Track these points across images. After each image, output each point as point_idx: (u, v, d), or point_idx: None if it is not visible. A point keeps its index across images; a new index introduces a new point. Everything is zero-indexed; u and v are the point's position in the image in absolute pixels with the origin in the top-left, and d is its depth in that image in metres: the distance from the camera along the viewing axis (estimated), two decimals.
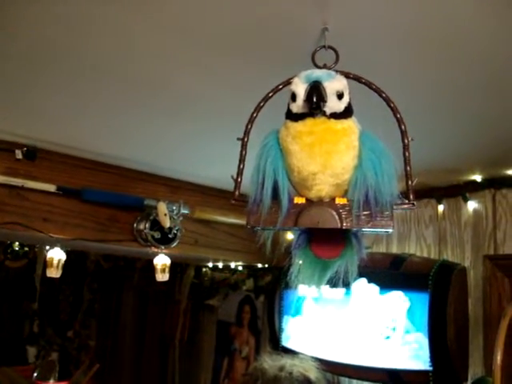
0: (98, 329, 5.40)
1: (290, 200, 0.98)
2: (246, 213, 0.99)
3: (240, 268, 3.34)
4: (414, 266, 2.16)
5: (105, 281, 5.27)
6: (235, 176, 1.05)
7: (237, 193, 1.04)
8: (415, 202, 0.98)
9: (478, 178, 2.16)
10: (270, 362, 2.07)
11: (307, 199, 0.98)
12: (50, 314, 5.89)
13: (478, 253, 2.17)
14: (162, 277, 2.39)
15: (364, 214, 0.94)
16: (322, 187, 0.96)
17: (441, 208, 2.31)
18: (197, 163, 2.28)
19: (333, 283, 1.17)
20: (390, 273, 2.20)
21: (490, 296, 2.10)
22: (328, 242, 1.05)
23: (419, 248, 2.35)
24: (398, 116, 1.00)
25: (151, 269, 2.54)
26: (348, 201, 0.96)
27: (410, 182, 0.99)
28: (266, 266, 3.06)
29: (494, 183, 2.13)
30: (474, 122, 1.63)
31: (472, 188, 2.21)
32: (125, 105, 1.71)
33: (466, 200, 2.22)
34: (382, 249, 2.50)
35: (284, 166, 0.98)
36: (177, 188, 2.54)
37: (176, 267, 3.86)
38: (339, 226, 0.95)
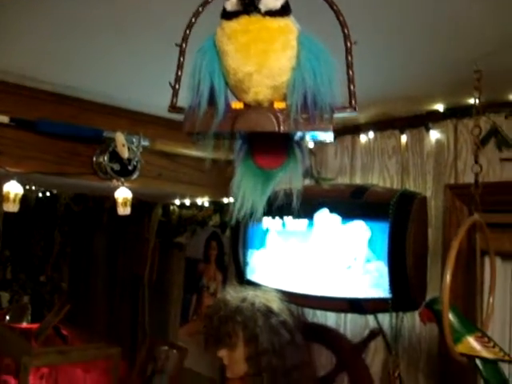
0: (69, 272, 5.40)
1: (227, 105, 0.95)
2: (183, 119, 0.95)
3: (206, 204, 3.33)
4: (375, 196, 2.16)
5: (75, 224, 5.24)
6: (173, 83, 1.01)
7: (174, 100, 1.00)
8: (357, 108, 0.96)
9: (440, 107, 2.14)
10: (232, 294, 2.07)
11: (245, 104, 0.95)
12: (22, 259, 5.87)
13: (440, 183, 2.17)
14: (124, 210, 2.36)
15: (303, 118, 0.91)
16: (259, 89, 0.93)
17: (404, 139, 2.29)
18: (157, 93, 2.22)
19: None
20: (352, 203, 2.19)
21: (449, 225, 2.12)
22: (270, 151, 1.03)
23: (382, 179, 2.35)
24: (341, 19, 0.97)
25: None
26: (287, 105, 0.94)
27: (352, 87, 0.96)
28: (232, 200, 3.03)
29: (456, 113, 2.12)
30: (430, 43, 1.58)
31: (434, 118, 2.19)
32: (70, 28, 1.63)
33: (428, 130, 2.21)
34: (346, 181, 2.49)
35: (220, 69, 0.95)
36: (138, 121, 2.48)
37: (144, 206, 3.84)
38: (277, 129, 0.92)
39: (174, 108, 1.00)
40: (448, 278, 1.43)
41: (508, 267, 2.11)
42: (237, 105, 0.95)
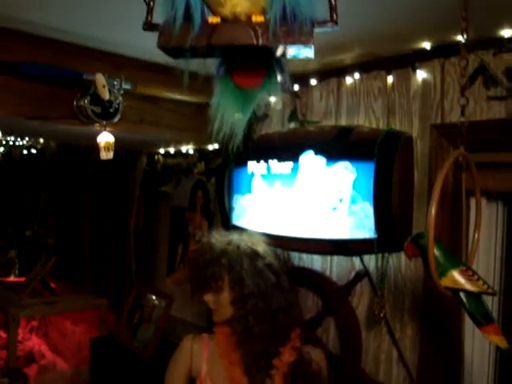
0: (56, 226, 5.38)
1: (204, 19, 0.91)
2: (158, 34, 0.91)
3: (191, 152, 3.30)
4: (360, 136, 2.14)
5: (61, 178, 5.19)
6: None
7: (149, 18, 0.96)
8: (338, 23, 0.92)
9: (427, 45, 2.09)
10: (217, 238, 2.05)
11: (222, 18, 0.91)
12: (8, 215, 5.84)
13: (426, 123, 2.14)
14: (107, 155, 2.32)
15: (282, 30, 0.88)
16: (237, 2, 0.89)
17: (390, 79, 2.25)
18: (139, 35, 2.16)
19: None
20: (337, 143, 2.17)
21: (435, 166, 2.09)
22: (249, 70, 0.99)
23: (368, 121, 2.31)
24: None
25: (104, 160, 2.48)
26: (265, 18, 0.90)
27: (332, 0, 0.92)
28: (217, 147, 3.02)
29: (443, 51, 2.08)
30: None
31: (421, 57, 2.14)
32: None
33: (414, 70, 2.17)
34: (331, 123, 2.46)
35: None
36: (120, 65, 2.41)
37: (128, 156, 3.80)
38: (255, 42, 0.88)
39: (149, 26, 0.96)
40: (433, 210, 1.41)
41: (493, 207, 2.11)
42: (213, 19, 0.91)
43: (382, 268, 2.16)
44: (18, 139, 5.34)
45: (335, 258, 2.41)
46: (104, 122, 2.27)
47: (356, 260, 2.32)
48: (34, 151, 5.37)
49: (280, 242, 2.28)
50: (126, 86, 2.29)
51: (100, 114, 2.23)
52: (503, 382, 2.09)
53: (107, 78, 2.21)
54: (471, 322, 2.06)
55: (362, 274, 2.27)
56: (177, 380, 2.13)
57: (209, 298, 2.04)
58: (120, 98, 2.27)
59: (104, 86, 2.13)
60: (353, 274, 2.32)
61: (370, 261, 2.25)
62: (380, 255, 2.17)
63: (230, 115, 1.08)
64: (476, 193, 1.78)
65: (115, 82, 2.26)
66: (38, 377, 3.97)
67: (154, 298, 3.00)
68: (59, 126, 2.51)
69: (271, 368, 2.01)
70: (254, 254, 2.00)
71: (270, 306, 1.98)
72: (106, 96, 2.16)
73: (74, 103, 2.29)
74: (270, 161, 2.38)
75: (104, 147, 2.31)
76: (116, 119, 2.29)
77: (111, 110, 2.24)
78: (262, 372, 2.00)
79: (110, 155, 2.34)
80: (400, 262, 2.18)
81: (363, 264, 2.27)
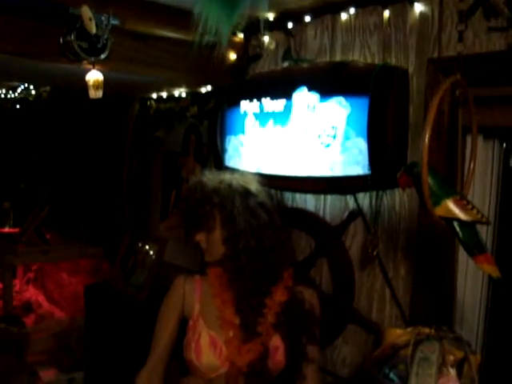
0: (50, 177, 5.34)
1: None
2: None
3: (184, 95, 3.24)
4: (355, 70, 2.09)
5: (53, 128, 5.14)
6: None
7: None
8: None
9: None
10: (209, 177, 2.02)
11: None
12: (1, 168, 5.79)
13: (422, 58, 2.08)
14: (96, 94, 2.26)
15: None
16: None
17: (386, 14, 2.18)
18: None
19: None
20: (331, 78, 2.12)
21: (431, 101, 2.05)
22: None
23: (363, 57, 2.24)
24: None
25: (95, 104, 2.42)
26: None
27: None
28: (210, 89, 2.96)
29: None
30: None
31: None
32: None
33: (412, 3, 2.10)
34: (326, 59, 2.40)
35: None
36: (107, 1, 2.33)
37: (120, 102, 3.74)
38: None
39: None
40: (427, 137, 1.38)
41: (489, 145, 2.07)
42: None
43: (376, 206, 2.14)
44: (10, 92, 5.27)
45: (328, 198, 2.39)
46: (92, 59, 2.20)
47: (350, 200, 2.30)
48: (25, 105, 5.32)
49: (273, 182, 2.25)
50: (114, 22, 2.22)
51: (87, 50, 2.16)
52: (494, 321, 2.09)
53: (94, 12, 2.14)
54: (464, 261, 2.07)
55: (356, 214, 2.25)
56: (169, 320, 2.12)
57: (200, 237, 2.03)
58: (108, 34, 2.20)
59: (90, 19, 2.06)
60: (346, 213, 2.29)
61: (364, 200, 2.23)
62: (374, 193, 2.14)
63: (214, 21, 1.03)
64: (473, 126, 1.74)
65: (103, 18, 2.19)
66: (36, 325, 4.00)
67: (147, 243, 2.99)
68: (46, 66, 2.44)
69: (263, 307, 2.01)
70: (246, 193, 1.98)
71: (262, 245, 1.96)
72: (93, 29, 2.09)
73: (61, 40, 2.22)
74: (262, 99, 2.33)
75: (93, 85, 2.25)
76: (104, 55, 2.22)
77: (99, 46, 2.17)
78: (255, 311, 2.00)
79: (100, 94, 2.29)
80: (394, 201, 2.16)
81: (357, 203, 2.25)
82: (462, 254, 2.04)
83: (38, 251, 3.70)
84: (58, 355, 3.54)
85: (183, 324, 2.14)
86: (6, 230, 4.61)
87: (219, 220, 1.97)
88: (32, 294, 4.79)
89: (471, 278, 2.08)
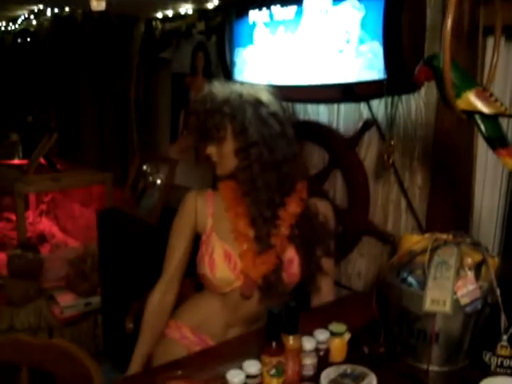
0: (56, 108, 5.29)
1: None
2: None
3: (190, 12, 3.14)
4: None
5: (57, 58, 5.03)
6: None
7: None
8: None
9: None
10: (219, 88, 1.97)
11: None
12: (9, 105, 5.74)
13: None
14: (98, 5, 2.19)
15: None
16: None
17: None
18: None
19: None
20: None
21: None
22: None
23: None
24: None
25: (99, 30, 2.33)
26: None
27: None
28: (217, 3, 2.86)
29: None
30: None
31: None
32: None
33: None
34: None
35: None
36: None
37: (125, 23, 3.63)
38: None
39: None
40: (449, 22, 1.30)
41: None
42: None
43: (391, 114, 2.07)
44: (10, 24, 5.14)
45: (342, 109, 2.32)
46: None
47: (364, 109, 2.24)
48: (28, 40, 5.21)
49: (285, 93, 2.17)
50: None
51: None
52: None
53: None
54: (482, 168, 2.02)
55: (370, 123, 2.19)
56: (182, 236, 2.11)
57: (211, 150, 1.99)
58: None
59: None
60: (360, 124, 2.23)
61: (379, 109, 2.16)
62: (389, 101, 2.07)
63: None
64: (496, 25, 1.65)
65: None
66: (50, 254, 4.04)
67: (156, 165, 2.95)
68: None
69: (277, 219, 1.98)
70: (258, 102, 1.93)
71: (274, 156, 1.92)
72: None
73: None
74: (272, 7, 2.23)
75: None
76: None
77: None
78: (268, 223, 1.98)
79: (102, 6, 2.21)
80: (410, 108, 2.09)
81: (371, 112, 2.18)
82: (480, 161, 2.00)
83: (48, 179, 3.68)
84: (73, 281, 3.58)
85: (197, 241, 2.13)
86: (16, 161, 4.60)
87: (230, 131, 1.92)
88: (46, 225, 4.83)
89: (489, 184, 2.04)
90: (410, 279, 1.67)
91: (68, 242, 4.40)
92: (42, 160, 4.11)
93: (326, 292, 2.12)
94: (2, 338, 2.00)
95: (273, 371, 1.48)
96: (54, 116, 5.26)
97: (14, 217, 4.35)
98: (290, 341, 1.53)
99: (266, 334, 1.51)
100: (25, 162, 4.36)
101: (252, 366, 1.44)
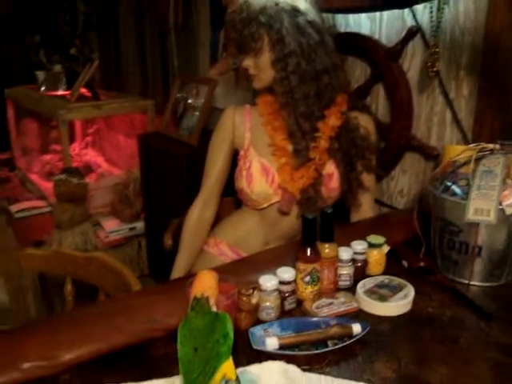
0: (98, 40, 5.27)
1: None
2: None
3: None
4: None
5: None
6: None
7: None
8: None
9: None
10: None
11: None
12: (53, 40, 5.75)
13: None
14: None
15: None
16: None
17: None
18: None
19: None
20: None
21: None
22: None
23: None
24: None
25: None
26: None
27: None
28: None
29: None
30: None
31: None
32: None
33: None
34: None
35: None
36: None
37: None
38: None
39: None
40: None
41: None
42: None
43: (437, 20, 1.95)
44: None
45: (384, 17, 2.20)
46: None
47: (408, 17, 2.11)
48: None
49: (324, 2, 2.08)
50: None
51: None
52: None
53: None
54: None
55: (414, 31, 2.07)
56: (220, 151, 2.10)
57: (248, 62, 1.95)
58: None
59: None
60: (404, 33, 2.12)
61: (423, 15, 2.04)
62: (434, 5, 1.94)
63: None
64: None
65: None
66: (96, 182, 4.10)
67: (196, 85, 2.91)
68: None
69: (316, 131, 1.94)
70: (294, 11, 1.85)
71: (313, 67, 1.86)
72: None
73: None
74: None
75: None
76: None
77: None
78: (307, 136, 1.94)
79: None
80: (457, 12, 1.96)
81: (415, 19, 2.06)
82: None
83: (90, 106, 3.70)
84: (118, 207, 3.64)
85: (236, 157, 2.10)
86: (60, 92, 4.63)
87: (266, 41, 1.87)
88: (91, 156, 4.90)
89: None
90: (454, 189, 1.61)
91: (112, 172, 4.45)
92: (85, 91, 4.12)
93: (366, 208, 2.08)
94: (49, 252, 2.05)
95: (307, 278, 1.46)
96: (97, 47, 5.24)
97: (58, 147, 4.43)
98: (326, 249, 1.51)
99: (301, 241, 1.48)
100: (68, 92, 4.38)
101: (286, 273, 1.42)
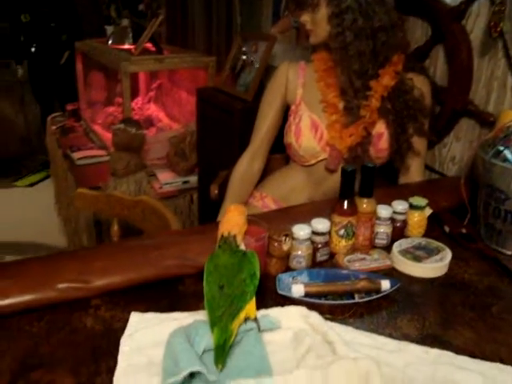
0: None
1: None
2: None
3: None
4: None
5: None
6: None
7: None
8: None
9: None
10: None
11: None
12: None
13: None
14: None
15: None
16: None
17: None
18: None
19: None
20: None
21: None
22: None
23: None
24: None
25: None
26: None
27: None
28: None
29: None
30: None
31: None
32: None
33: None
34: None
35: None
36: None
37: None
38: None
39: None
40: None
41: None
42: None
43: None
44: None
45: None
46: None
47: None
48: None
49: None
50: None
51: None
52: None
53: None
54: None
55: None
56: (272, 104, 2.11)
57: (305, 18, 1.93)
58: None
59: None
60: None
61: None
62: None
63: None
64: None
65: None
66: (154, 135, 4.18)
67: (256, 41, 2.89)
68: None
69: (368, 89, 1.91)
70: None
71: (370, 24, 1.83)
72: None
73: None
74: None
75: None
76: None
77: None
78: (359, 94, 1.92)
79: None
80: None
81: None
82: None
83: (152, 59, 3.75)
84: (173, 160, 3.70)
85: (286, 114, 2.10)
86: (126, 46, 4.70)
87: None
88: (153, 110, 4.98)
89: None
90: (506, 154, 1.55)
91: (172, 127, 4.52)
92: (150, 46, 4.18)
93: (414, 172, 2.05)
94: (100, 193, 2.12)
95: (342, 231, 1.46)
96: (164, 3, 5.28)
97: (119, 100, 4.54)
98: (364, 204, 1.50)
99: (339, 193, 1.47)
100: (133, 46, 4.45)
101: (320, 223, 1.42)
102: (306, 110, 1.98)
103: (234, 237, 1.11)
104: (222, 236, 1.13)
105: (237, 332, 1.05)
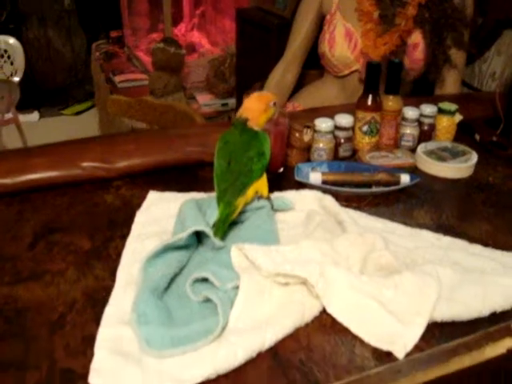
0: None
1: None
2: None
3: None
4: None
5: None
6: None
7: None
8: None
9: None
10: None
11: None
12: None
13: None
14: None
15: None
16: None
17: None
18: None
19: None
20: None
21: None
22: None
23: None
24: None
25: None
26: None
27: None
28: None
29: None
30: None
31: None
32: None
33: None
34: None
35: None
36: None
37: None
38: None
39: None
40: None
41: None
42: None
43: None
44: None
45: None
46: None
47: None
48: None
49: None
50: None
51: None
52: None
53: None
54: None
55: None
56: (307, 14, 2.08)
57: None
58: None
59: None
60: None
61: None
62: None
63: None
64: None
65: None
66: (196, 59, 4.17)
67: None
68: None
69: None
70: None
71: None
72: None
73: None
74: None
75: None
76: None
77: None
78: (395, 1, 1.85)
79: None
80: None
81: None
82: None
83: None
84: (212, 81, 3.70)
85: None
86: None
87: None
88: (196, 37, 4.94)
89: None
90: None
91: (214, 52, 4.50)
92: None
93: (450, 86, 1.99)
94: (132, 99, 2.15)
95: (365, 128, 1.44)
96: None
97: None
98: (389, 101, 1.47)
99: (364, 88, 1.45)
100: None
101: (344, 118, 1.41)
102: (341, 19, 1.94)
103: (246, 120, 1.10)
104: (235, 117, 1.14)
105: (245, 209, 1.06)
